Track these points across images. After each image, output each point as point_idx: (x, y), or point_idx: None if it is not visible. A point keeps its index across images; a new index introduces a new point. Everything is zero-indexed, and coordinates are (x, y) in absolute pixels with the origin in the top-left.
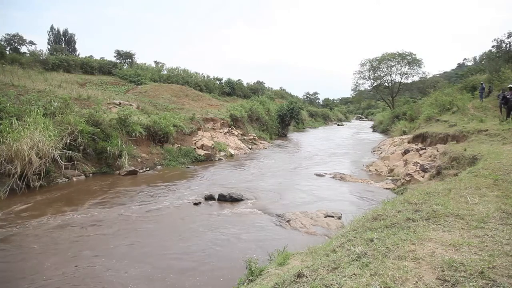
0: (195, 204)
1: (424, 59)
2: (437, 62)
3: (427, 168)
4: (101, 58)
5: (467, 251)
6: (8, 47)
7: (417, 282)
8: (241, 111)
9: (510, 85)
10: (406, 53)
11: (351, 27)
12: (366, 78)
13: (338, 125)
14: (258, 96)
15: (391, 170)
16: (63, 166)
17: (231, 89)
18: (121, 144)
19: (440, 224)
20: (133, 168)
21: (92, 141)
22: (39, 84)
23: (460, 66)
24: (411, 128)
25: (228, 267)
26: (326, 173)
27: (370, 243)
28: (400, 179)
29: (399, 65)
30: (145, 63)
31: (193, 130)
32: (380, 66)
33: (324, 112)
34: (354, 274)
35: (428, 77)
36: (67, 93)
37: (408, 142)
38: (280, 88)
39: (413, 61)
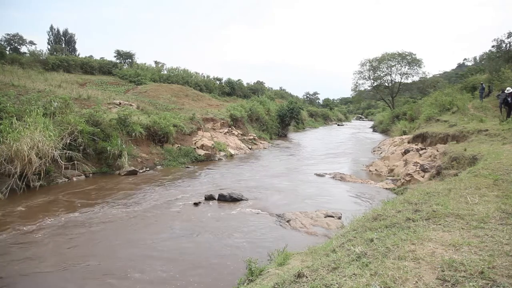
0: (195, 204)
1: (424, 59)
2: (437, 62)
3: (427, 168)
4: (101, 58)
5: (467, 251)
6: (8, 47)
7: (417, 282)
8: (241, 111)
9: (509, 89)
10: (406, 53)
11: (351, 27)
12: (366, 78)
13: (338, 125)
14: (258, 96)
15: (391, 170)
16: (63, 166)
17: (231, 89)
18: (121, 144)
19: (440, 224)
20: (133, 168)
21: (92, 141)
22: (39, 84)
23: (460, 66)
24: (411, 128)
25: (228, 267)
26: (326, 173)
27: (370, 243)
28: (400, 179)
29: (399, 65)
30: (145, 63)
31: (193, 130)
32: (380, 66)
33: (324, 112)
34: (354, 274)
35: (428, 77)
36: (67, 93)
37: (408, 142)
38: (280, 88)
39: (413, 61)
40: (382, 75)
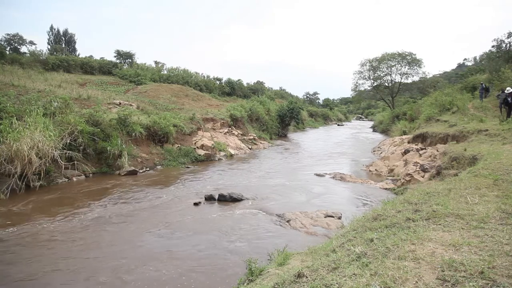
0: (195, 204)
1: (424, 59)
2: (437, 62)
3: (427, 168)
4: (101, 58)
5: (467, 251)
6: (8, 47)
7: (417, 282)
8: (241, 111)
9: (509, 89)
10: (406, 53)
11: (351, 27)
12: (366, 78)
13: (338, 125)
14: (258, 96)
15: (391, 170)
16: (63, 166)
17: (231, 89)
18: (121, 144)
19: (440, 224)
20: (133, 168)
21: (92, 141)
22: (39, 84)
23: (460, 66)
24: (411, 128)
25: (228, 267)
26: (326, 173)
27: (370, 243)
28: (400, 179)
29: (399, 65)
30: (145, 63)
31: (193, 130)
32: (380, 66)
33: (324, 112)
34: (354, 274)
35: (428, 77)
36: (67, 93)
37: (408, 142)
38: (280, 88)
39: (413, 61)
40: (382, 75)
